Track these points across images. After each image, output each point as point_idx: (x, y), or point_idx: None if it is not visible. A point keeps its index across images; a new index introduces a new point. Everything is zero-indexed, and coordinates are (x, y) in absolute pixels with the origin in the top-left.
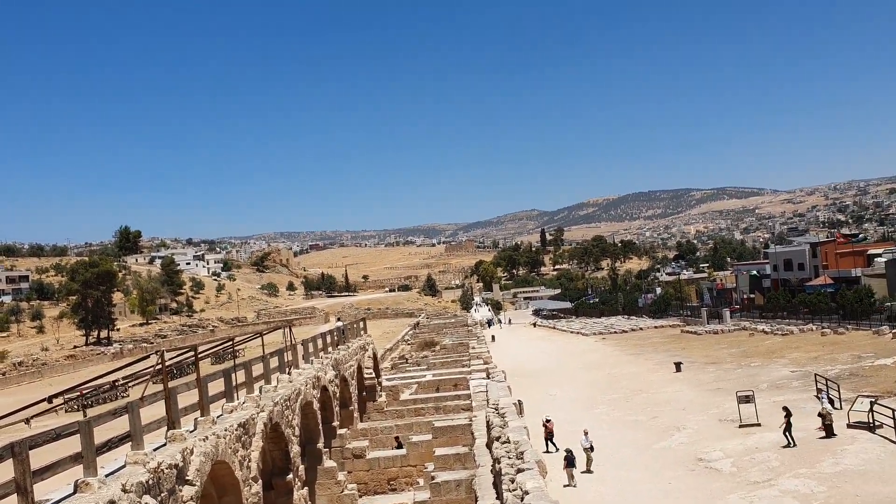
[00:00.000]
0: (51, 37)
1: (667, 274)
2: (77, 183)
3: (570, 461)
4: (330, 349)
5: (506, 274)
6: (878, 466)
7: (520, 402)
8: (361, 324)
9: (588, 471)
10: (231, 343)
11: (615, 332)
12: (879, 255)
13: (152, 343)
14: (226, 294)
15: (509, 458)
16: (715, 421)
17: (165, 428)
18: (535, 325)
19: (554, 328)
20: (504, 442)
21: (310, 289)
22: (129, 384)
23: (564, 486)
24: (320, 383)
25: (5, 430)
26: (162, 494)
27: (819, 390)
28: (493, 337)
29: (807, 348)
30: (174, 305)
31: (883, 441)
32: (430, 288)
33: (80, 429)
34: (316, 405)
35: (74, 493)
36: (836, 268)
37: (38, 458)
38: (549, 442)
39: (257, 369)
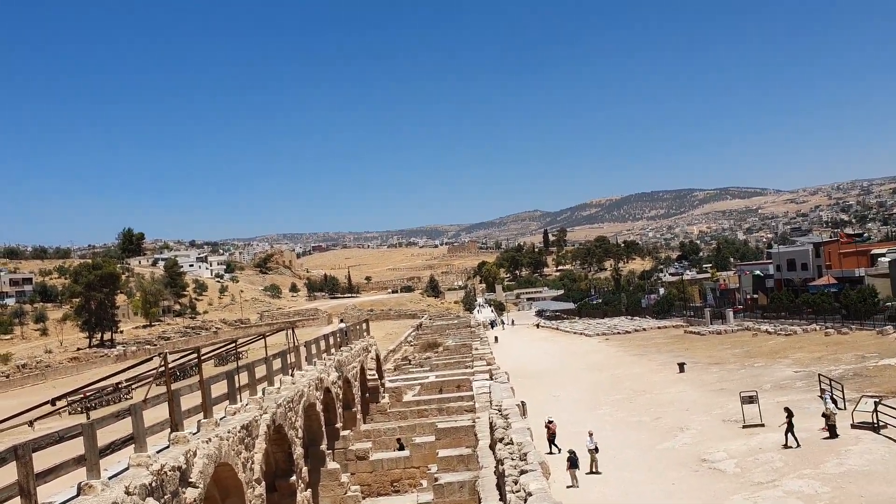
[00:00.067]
0: (52, 38)
1: (670, 274)
2: (80, 185)
3: (573, 462)
4: (333, 351)
5: (508, 275)
6: (883, 467)
7: (523, 404)
8: (364, 325)
9: (596, 472)
10: (234, 345)
11: (618, 333)
12: (883, 255)
13: (156, 345)
14: (229, 296)
15: (512, 459)
16: (718, 421)
17: (169, 430)
18: (538, 325)
19: (557, 329)
20: (507, 443)
21: (313, 290)
22: (133, 386)
23: (568, 486)
24: (323, 385)
25: (9, 433)
26: (165, 497)
27: (822, 391)
28: (496, 338)
29: (810, 348)
30: (177, 307)
31: (887, 441)
32: (433, 289)
33: (83, 431)
34: (319, 407)
35: (78, 495)
36: (839, 268)
37: (42, 460)
38: (551, 443)
39: (260, 371)
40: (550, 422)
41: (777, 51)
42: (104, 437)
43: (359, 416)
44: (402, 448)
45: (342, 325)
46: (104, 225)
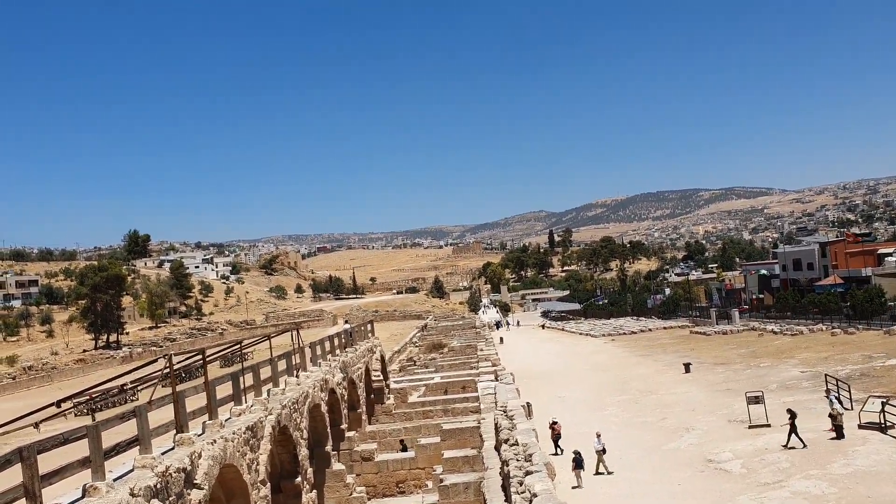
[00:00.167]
0: (54, 39)
1: (675, 274)
2: (86, 187)
3: (578, 463)
4: (338, 352)
5: (514, 275)
6: (890, 467)
7: (528, 405)
8: (369, 326)
9: (607, 472)
10: (239, 346)
11: (624, 334)
12: (890, 255)
13: (161, 346)
14: (234, 297)
15: (518, 460)
16: (724, 422)
17: (174, 431)
18: (543, 326)
19: (562, 330)
20: (512, 444)
21: (318, 291)
22: (138, 388)
23: (573, 487)
24: (328, 386)
25: (15, 435)
26: (170, 498)
27: (828, 391)
28: (501, 339)
29: (817, 348)
30: (183, 309)
31: (895, 442)
32: (438, 290)
33: (88, 433)
34: (324, 408)
35: (83, 497)
36: (845, 267)
37: (47, 462)
38: (556, 444)
39: (265, 372)
40: (555, 423)
41: (782, 50)
42: (109, 438)
43: (364, 417)
44: (404, 449)
45: (347, 326)
46: (110, 227)
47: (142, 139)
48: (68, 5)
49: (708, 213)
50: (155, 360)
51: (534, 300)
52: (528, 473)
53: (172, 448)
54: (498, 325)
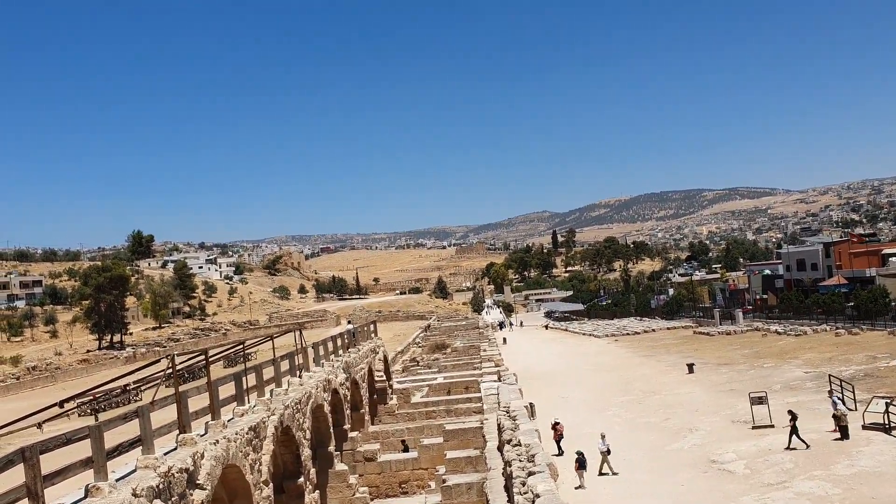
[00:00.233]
0: (58, 40)
1: (679, 275)
2: (90, 187)
3: (581, 463)
4: (341, 352)
5: (517, 276)
6: (894, 468)
7: (531, 405)
8: (372, 326)
9: (612, 473)
10: (241, 346)
11: (627, 334)
12: (894, 255)
13: (165, 347)
14: (238, 297)
15: (520, 460)
16: (728, 422)
17: (176, 432)
18: (546, 327)
19: (566, 330)
20: (515, 445)
21: (321, 292)
22: (142, 388)
23: (576, 488)
24: (331, 386)
25: (18, 435)
26: (172, 499)
27: (830, 391)
28: (504, 339)
29: (821, 349)
30: (187, 309)
31: None
32: (441, 290)
33: (90, 433)
34: (327, 408)
35: (85, 497)
36: (850, 268)
37: (50, 462)
38: (558, 445)
39: (268, 372)
40: (557, 423)
41: (786, 50)
42: (112, 438)
43: (367, 417)
44: (406, 449)
45: (350, 326)
46: (114, 227)
47: (146, 139)
48: (69, 4)
49: (711, 213)
50: (158, 361)
51: (537, 301)
52: (530, 474)
53: (175, 448)
54: (501, 325)
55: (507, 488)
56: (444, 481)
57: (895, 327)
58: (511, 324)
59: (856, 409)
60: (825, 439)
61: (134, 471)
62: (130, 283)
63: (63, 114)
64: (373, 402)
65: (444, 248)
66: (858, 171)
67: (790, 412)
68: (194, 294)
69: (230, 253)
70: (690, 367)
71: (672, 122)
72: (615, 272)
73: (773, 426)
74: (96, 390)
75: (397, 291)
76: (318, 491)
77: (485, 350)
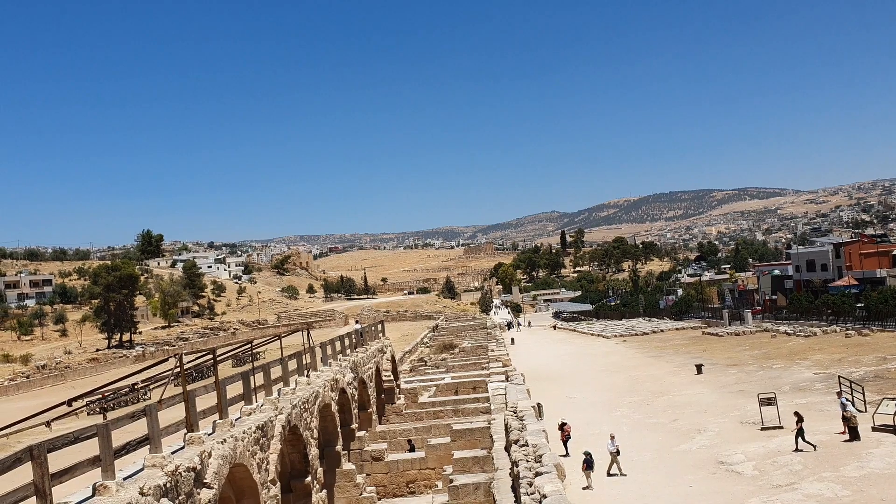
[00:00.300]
0: (71, 43)
1: (688, 275)
2: (99, 187)
3: (588, 463)
4: (348, 352)
5: (525, 276)
6: None
7: (539, 405)
8: (380, 326)
9: (621, 474)
10: (249, 346)
11: (636, 335)
12: None
13: (174, 346)
14: (247, 297)
15: (527, 461)
16: (736, 423)
17: (184, 431)
18: (555, 327)
19: (574, 330)
20: (522, 445)
21: (329, 291)
22: (150, 387)
23: (583, 488)
24: (339, 386)
25: (27, 433)
26: (180, 497)
27: (839, 393)
28: (512, 339)
29: (830, 350)
30: (196, 308)
31: None
32: (449, 290)
33: (98, 432)
34: (334, 408)
35: (93, 496)
36: (860, 268)
37: (57, 461)
38: (565, 446)
39: (276, 371)
40: (564, 424)
41: (796, 50)
42: (119, 437)
43: (374, 417)
44: (412, 449)
45: (357, 326)
46: (123, 226)
47: (156, 140)
48: (85, 5)
49: (721, 213)
50: (166, 360)
51: (545, 301)
52: (537, 474)
53: (182, 447)
54: (509, 325)
55: (515, 489)
56: (451, 481)
57: None
58: (519, 324)
59: (866, 411)
60: (835, 441)
61: (141, 469)
62: (140, 282)
63: (74, 114)
64: (380, 401)
65: (452, 248)
66: (869, 172)
67: (796, 413)
68: (203, 293)
69: (239, 252)
70: (699, 367)
71: (681, 122)
72: (624, 272)
73: (781, 427)
74: (104, 389)
75: (405, 291)
76: (325, 490)
77: (492, 350)
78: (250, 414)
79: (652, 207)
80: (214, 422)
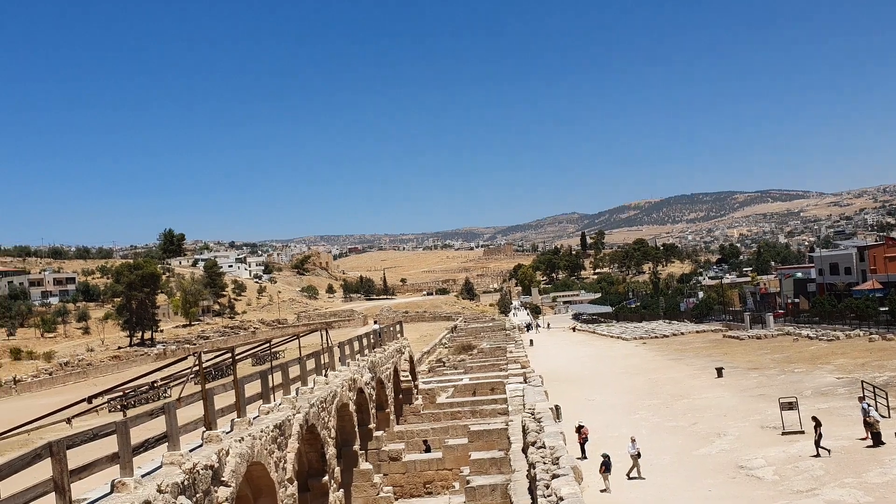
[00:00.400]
0: (93, 44)
1: (709, 278)
2: (123, 187)
3: (606, 466)
4: (366, 352)
5: (545, 278)
6: None
7: (557, 407)
8: (398, 326)
9: (640, 477)
10: (268, 345)
11: (656, 337)
12: None
13: (195, 344)
14: (267, 296)
15: (545, 463)
16: (757, 428)
17: (202, 429)
18: (574, 329)
19: (594, 332)
20: (540, 447)
21: (349, 291)
22: (170, 385)
23: (601, 491)
24: (356, 385)
25: (48, 430)
26: (197, 495)
27: (861, 398)
28: (531, 341)
29: (853, 354)
30: (216, 307)
31: None
32: (468, 291)
33: (117, 429)
34: (352, 407)
35: (111, 492)
36: (885, 272)
37: (76, 457)
38: (582, 448)
39: (294, 371)
40: (581, 426)
41: (820, 51)
42: (138, 435)
43: (392, 417)
44: (428, 449)
45: (376, 326)
46: (146, 226)
47: (178, 140)
48: (102, 5)
49: (743, 215)
50: (185, 358)
51: (565, 303)
52: (554, 477)
53: (200, 445)
54: (528, 327)
55: (531, 490)
56: (468, 482)
57: None
58: (538, 326)
59: (889, 416)
60: (857, 446)
61: (160, 467)
62: (161, 281)
63: (98, 115)
64: (398, 401)
65: (471, 249)
66: (894, 174)
67: (814, 418)
68: (224, 292)
69: (259, 252)
70: (719, 371)
71: (703, 123)
72: (644, 274)
73: (802, 432)
74: (125, 386)
75: (424, 292)
76: (342, 490)
77: (511, 352)
78: (268, 413)
79: (673, 209)
80: (232, 420)
